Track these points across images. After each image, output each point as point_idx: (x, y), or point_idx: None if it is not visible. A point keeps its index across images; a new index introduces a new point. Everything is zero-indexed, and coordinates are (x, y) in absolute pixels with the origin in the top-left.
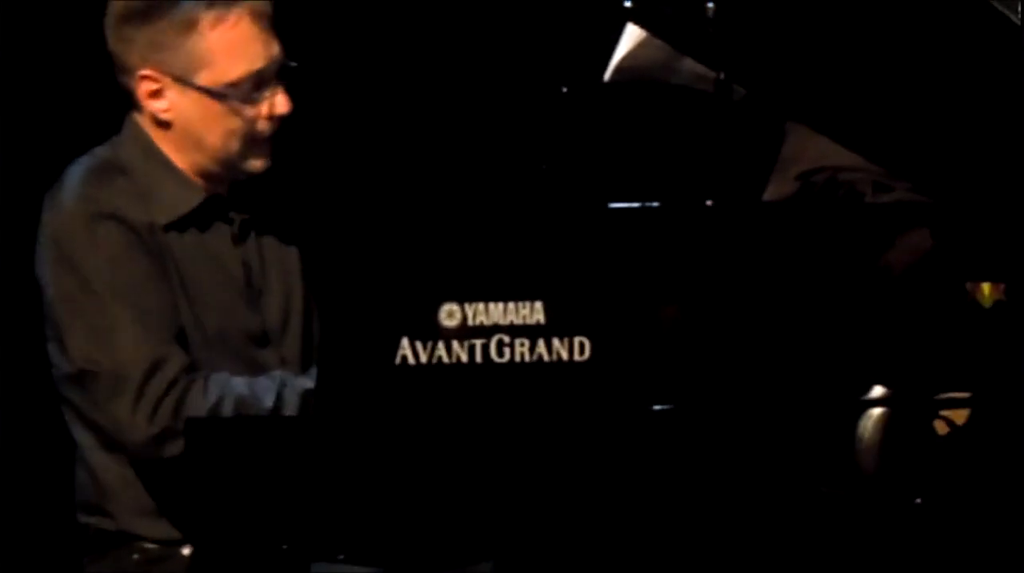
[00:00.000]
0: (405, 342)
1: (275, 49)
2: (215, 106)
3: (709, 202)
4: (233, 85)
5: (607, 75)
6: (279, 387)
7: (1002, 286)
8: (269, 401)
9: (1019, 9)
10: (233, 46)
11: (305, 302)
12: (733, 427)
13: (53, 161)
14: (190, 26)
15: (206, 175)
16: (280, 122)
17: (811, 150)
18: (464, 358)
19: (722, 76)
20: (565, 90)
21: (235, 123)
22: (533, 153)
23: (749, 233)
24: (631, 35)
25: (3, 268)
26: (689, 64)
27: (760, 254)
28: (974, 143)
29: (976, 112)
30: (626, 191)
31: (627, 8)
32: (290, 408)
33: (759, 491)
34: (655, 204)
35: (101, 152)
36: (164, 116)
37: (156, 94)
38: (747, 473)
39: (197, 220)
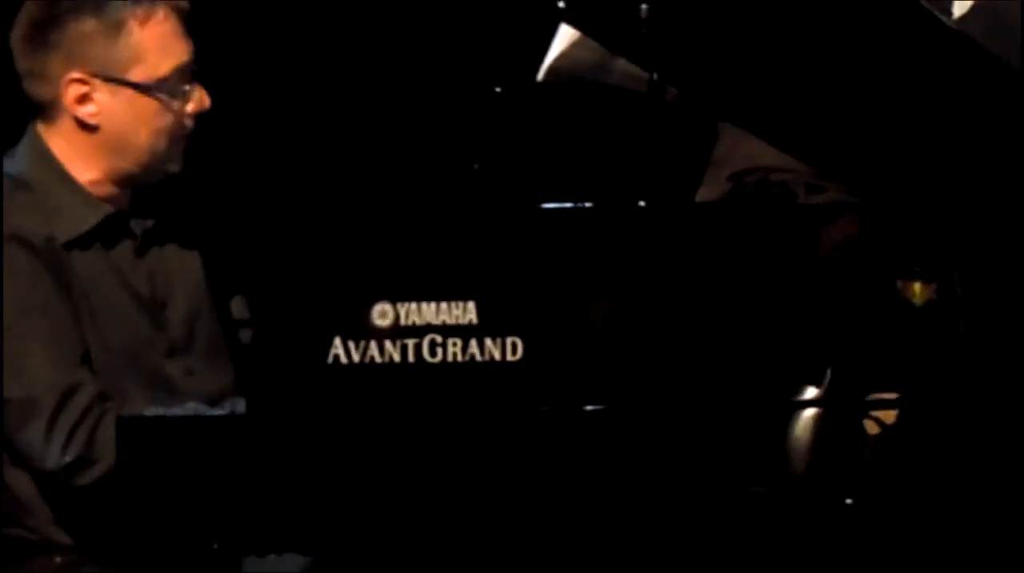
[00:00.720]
0: (338, 341)
1: (192, 45)
2: (146, 104)
3: (642, 203)
4: (164, 80)
5: (541, 75)
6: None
7: (934, 285)
8: None
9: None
10: (162, 41)
11: (211, 310)
12: (664, 427)
13: None
14: (119, 25)
15: (120, 181)
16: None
17: (743, 151)
18: (397, 358)
19: (655, 77)
20: (498, 89)
21: (164, 120)
22: (466, 152)
23: (681, 234)
24: (565, 35)
25: None
26: (622, 64)
27: (692, 255)
28: (909, 140)
29: (908, 109)
30: (559, 191)
31: (560, 8)
32: None
33: (691, 492)
34: (588, 204)
35: (2, 167)
36: (92, 120)
37: (84, 98)
38: (679, 474)
39: (99, 236)
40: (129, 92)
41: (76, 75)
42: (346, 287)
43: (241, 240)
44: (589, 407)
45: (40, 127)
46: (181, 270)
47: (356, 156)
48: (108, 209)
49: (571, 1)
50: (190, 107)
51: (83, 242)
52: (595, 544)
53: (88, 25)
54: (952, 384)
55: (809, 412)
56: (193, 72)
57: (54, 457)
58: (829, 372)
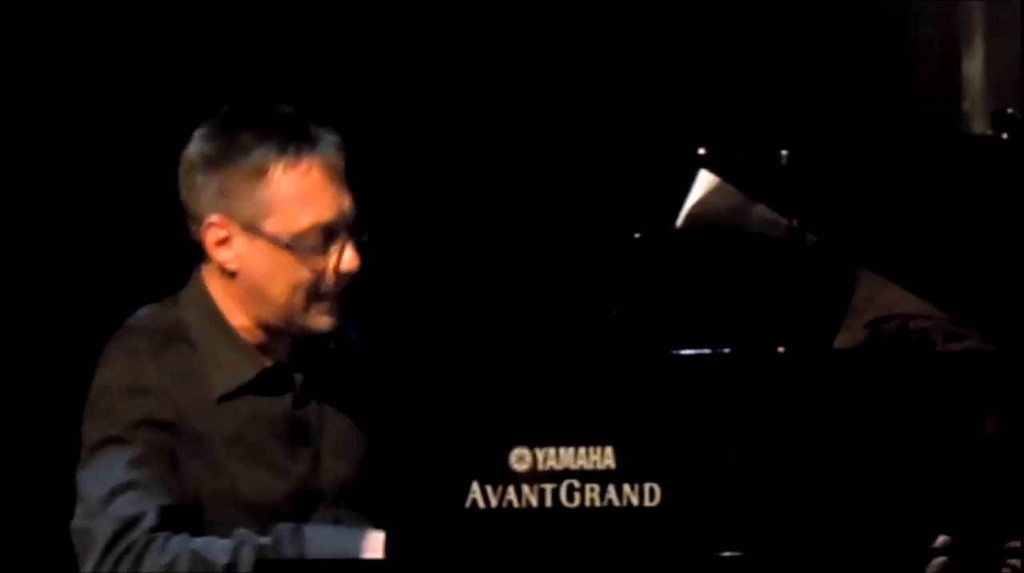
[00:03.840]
0: (475, 486)
1: (346, 202)
2: (281, 256)
3: (780, 349)
4: (300, 235)
5: (679, 221)
6: (236, 545)
7: None
8: (224, 559)
9: None
10: (302, 195)
11: (362, 460)
12: None
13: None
14: (260, 174)
15: (270, 331)
16: (348, 280)
17: (882, 298)
18: (534, 502)
19: (794, 223)
20: (637, 235)
21: (300, 276)
22: (604, 298)
23: (819, 381)
24: (704, 181)
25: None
26: (761, 210)
27: (830, 402)
28: None
29: None
30: (697, 337)
31: (700, 155)
32: (244, 565)
33: None
34: (726, 350)
35: (163, 312)
36: (230, 266)
37: (223, 242)
38: None
39: (255, 388)
40: (264, 242)
41: (215, 219)
42: (485, 432)
43: (385, 385)
44: (726, 553)
45: (203, 268)
46: (338, 420)
47: (496, 300)
48: (266, 362)
49: (710, 147)
50: (333, 266)
51: (237, 394)
52: None
53: (234, 170)
54: None
55: (943, 561)
56: (350, 231)
57: None
58: (964, 518)
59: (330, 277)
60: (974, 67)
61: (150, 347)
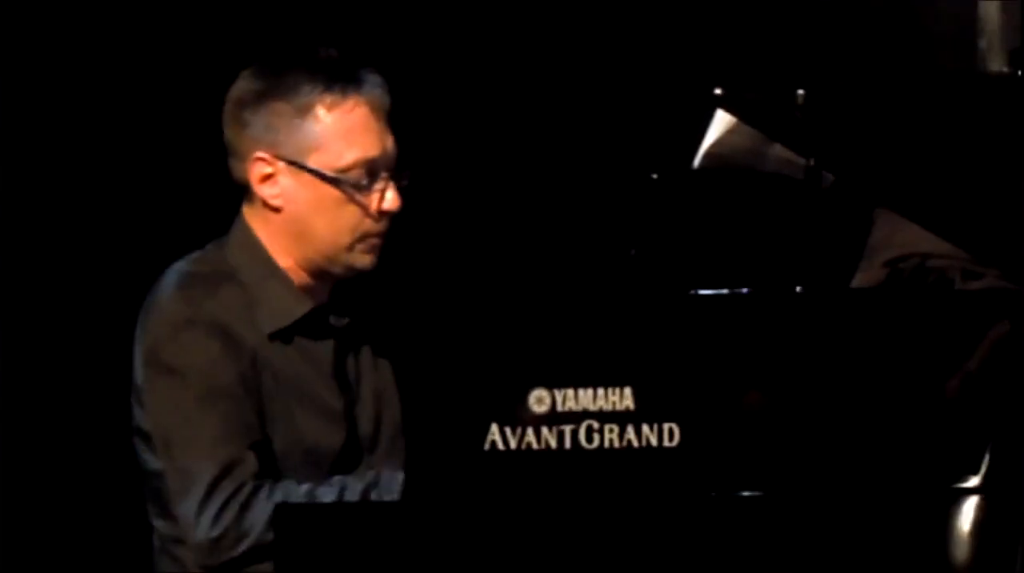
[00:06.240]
0: (494, 428)
1: (389, 143)
2: (326, 192)
3: (798, 288)
4: (344, 171)
5: (696, 161)
6: (340, 488)
7: None
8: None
9: None
10: (347, 131)
11: (396, 411)
12: (821, 515)
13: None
14: (306, 110)
15: (312, 271)
16: (390, 220)
17: (900, 237)
18: (553, 444)
19: (811, 162)
20: (655, 176)
21: (344, 213)
22: (622, 239)
23: (837, 320)
24: (720, 121)
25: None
26: (778, 150)
27: (848, 341)
28: None
29: None
30: (715, 277)
31: (716, 95)
32: None
33: None
34: (744, 290)
35: (208, 255)
36: (274, 202)
37: (268, 178)
38: (835, 561)
39: (301, 329)
40: (309, 178)
41: (261, 154)
42: (503, 373)
43: (408, 329)
44: (746, 493)
45: (245, 210)
46: (372, 370)
47: (514, 242)
48: (312, 302)
49: (727, 87)
50: (376, 205)
51: (286, 334)
52: None
53: (279, 107)
54: None
55: (969, 501)
56: (391, 172)
57: (204, 530)
58: (987, 459)
59: (373, 216)
60: (991, 5)
61: (204, 287)
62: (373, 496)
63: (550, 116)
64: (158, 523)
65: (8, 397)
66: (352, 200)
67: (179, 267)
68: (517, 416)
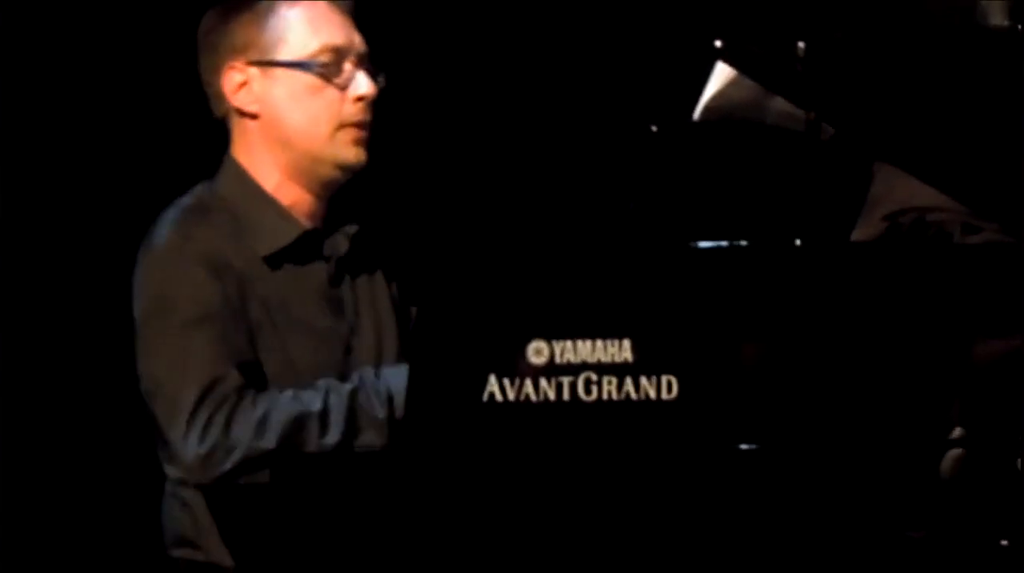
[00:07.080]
0: (492, 379)
1: (356, 38)
2: (298, 82)
3: (797, 241)
4: (312, 57)
5: (696, 114)
6: (324, 392)
7: None
8: (316, 405)
9: None
10: (310, 20)
11: (395, 341)
12: (819, 467)
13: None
14: (269, 11)
15: (303, 181)
16: (370, 111)
17: (899, 191)
18: (551, 396)
19: (812, 115)
20: (654, 128)
21: (319, 100)
22: (621, 191)
23: (837, 273)
24: (721, 74)
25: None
26: (779, 103)
27: (847, 294)
28: None
29: None
30: (714, 230)
31: (717, 47)
32: (336, 411)
33: (844, 533)
34: (743, 243)
35: (198, 191)
36: (251, 108)
37: (241, 86)
38: (832, 515)
39: (294, 255)
40: (280, 72)
41: (232, 63)
42: (502, 325)
43: (405, 276)
44: (744, 446)
45: (230, 147)
46: (371, 301)
47: (512, 194)
48: (305, 225)
49: (727, 40)
50: (349, 90)
51: (277, 259)
52: None
53: (244, 18)
54: None
55: (962, 453)
56: (363, 62)
57: (192, 449)
58: (981, 414)
59: (348, 105)
60: None
61: (193, 217)
62: (361, 397)
63: (551, 68)
64: (168, 469)
65: (8, 397)
66: (324, 86)
67: (170, 209)
68: (515, 367)
